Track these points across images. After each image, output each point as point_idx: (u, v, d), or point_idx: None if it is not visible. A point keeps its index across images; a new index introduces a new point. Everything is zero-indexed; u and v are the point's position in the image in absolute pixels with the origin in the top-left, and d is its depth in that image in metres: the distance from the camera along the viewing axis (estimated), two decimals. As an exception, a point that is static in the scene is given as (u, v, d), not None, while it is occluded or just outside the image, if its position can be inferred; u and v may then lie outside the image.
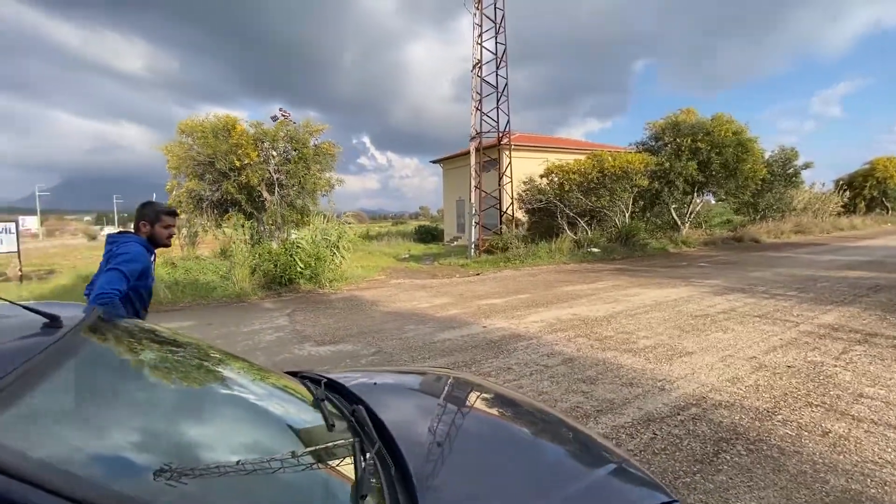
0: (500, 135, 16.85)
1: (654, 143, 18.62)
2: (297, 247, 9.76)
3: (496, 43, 16.36)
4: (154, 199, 2.68)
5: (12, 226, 11.92)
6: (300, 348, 5.35)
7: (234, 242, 10.46)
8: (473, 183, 16.26)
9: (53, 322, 1.05)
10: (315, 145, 10.69)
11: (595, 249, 14.59)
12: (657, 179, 16.93)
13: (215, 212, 10.63)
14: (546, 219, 16.28)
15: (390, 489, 1.10)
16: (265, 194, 9.71)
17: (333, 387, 1.73)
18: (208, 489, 0.88)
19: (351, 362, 4.78)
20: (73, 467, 0.78)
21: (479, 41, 16.10)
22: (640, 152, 16.85)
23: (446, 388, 1.90)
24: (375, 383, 1.85)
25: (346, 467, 1.14)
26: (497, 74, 16.44)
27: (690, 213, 19.25)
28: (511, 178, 16.96)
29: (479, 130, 16.02)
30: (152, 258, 2.55)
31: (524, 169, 17.15)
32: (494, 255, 15.17)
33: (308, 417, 1.42)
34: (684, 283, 9.27)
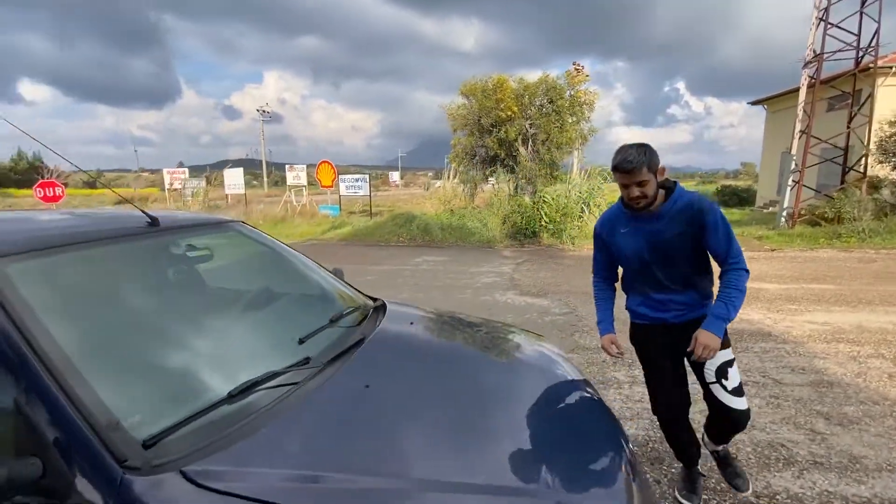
0: (862, 53, 11.51)
1: None
2: (543, 201, 9.93)
3: None
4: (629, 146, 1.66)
5: (366, 177, 17.09)
6: (502, 294, 5.65)
7: (495, 195, 11.60)
8: (798, 126, 11.98)
9: (153, 222, 1.61)
10: (570, 95, 10.24)
11: None
12: None
13: (484, 166, 11.94)
14: (935, 178, 10.48)
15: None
16: (521, 149, 10.19)
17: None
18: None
19: (535, 316, 4.74)
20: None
21: (843, -84, 11.05)
22: None
23: (479, 348, 1.76)
24: (412, 323, 1.89)
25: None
26: (870, -40, 11.02)
27: None
28: (871, 117, 11.56)
29: (818, 52, 11.42)
30: (634, 223, 1.80)
31: (902, 102, 11.32)
32: (820, 227, 11.04)
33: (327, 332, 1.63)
34: None
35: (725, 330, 1.71)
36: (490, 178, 13.07)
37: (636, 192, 1.69)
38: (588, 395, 1.65)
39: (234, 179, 19.11)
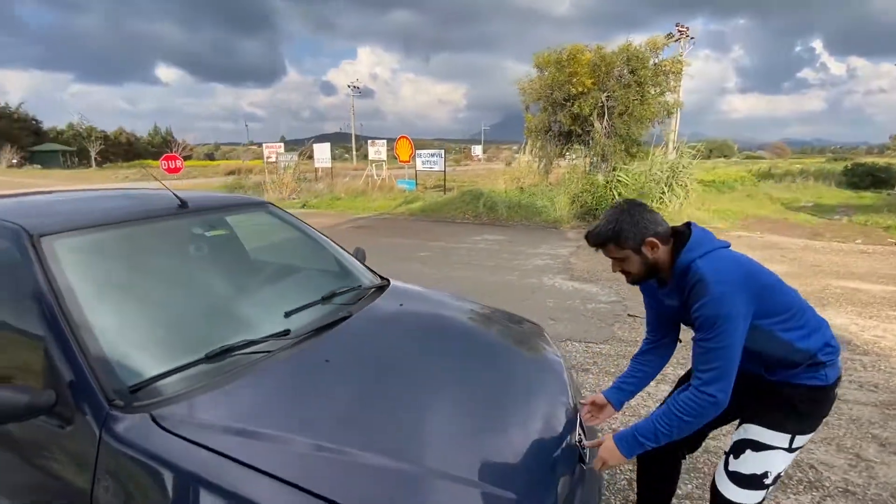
0: None
1: None
2: (618, 180, 9.34)
3: None
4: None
5: (441, 152, 17.30)
6: (550, 278, 5.54)
7: (570, 172, 11.15)
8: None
9: (183, 204, 1.89)
10: (654, 64, 9.24)
11: None
12: None
13: (559, 143, 11.44)
14: None
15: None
16: (596, 124, 9.55)
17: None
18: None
19: (577, 303, 4.62)
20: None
21: None
22: None
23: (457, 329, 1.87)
24: (401, 304, 2.02)
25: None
26: None
27: None
28: None
29: None
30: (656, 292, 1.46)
31: None
32: (975, 218, 9.07)
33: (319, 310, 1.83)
34: None
35: (794, 412, 1.30)
36: (568, 154, 12.56)
37: (616, 268, 1.40)
38: (554, 378, 1.68)
39: (322, 153, 20.43)
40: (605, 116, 9.41)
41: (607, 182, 9.54)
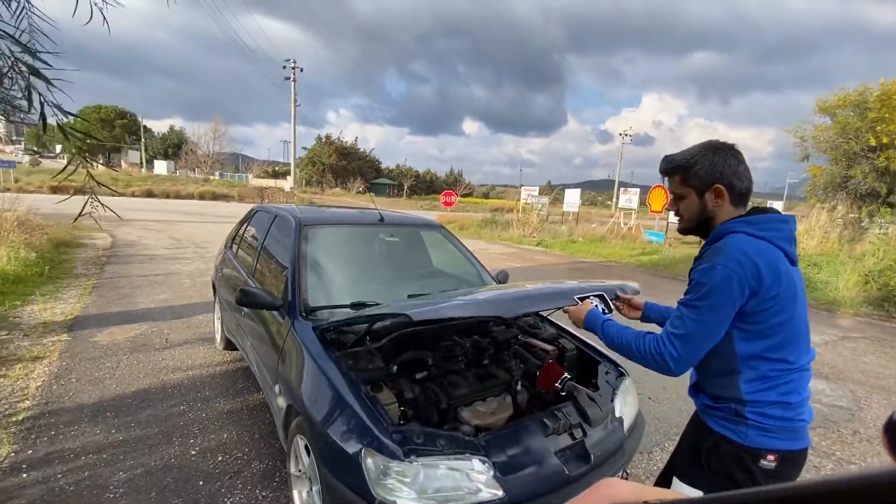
0: None
1: None
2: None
3: None
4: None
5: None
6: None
7: (873, 243, 8.44)
8: None
9: (381, 219, 2.98)
10: None
11: None
12: None
13: (856, 203, 8.67)
14: None
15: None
16: (921, 182, 6.81)
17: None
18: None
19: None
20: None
21: None
22: None
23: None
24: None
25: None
26: None
27: None
28: None
29: None
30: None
31: None
32: None
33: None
34: None
35: (697, 462, 1.23)
36: (880, 219, 9.46)
37: (673, 206, 1.28)
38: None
39: (571, 198, 21.37)
40: (939, 171, 6.67)
41: (937, 261, 6.74)
